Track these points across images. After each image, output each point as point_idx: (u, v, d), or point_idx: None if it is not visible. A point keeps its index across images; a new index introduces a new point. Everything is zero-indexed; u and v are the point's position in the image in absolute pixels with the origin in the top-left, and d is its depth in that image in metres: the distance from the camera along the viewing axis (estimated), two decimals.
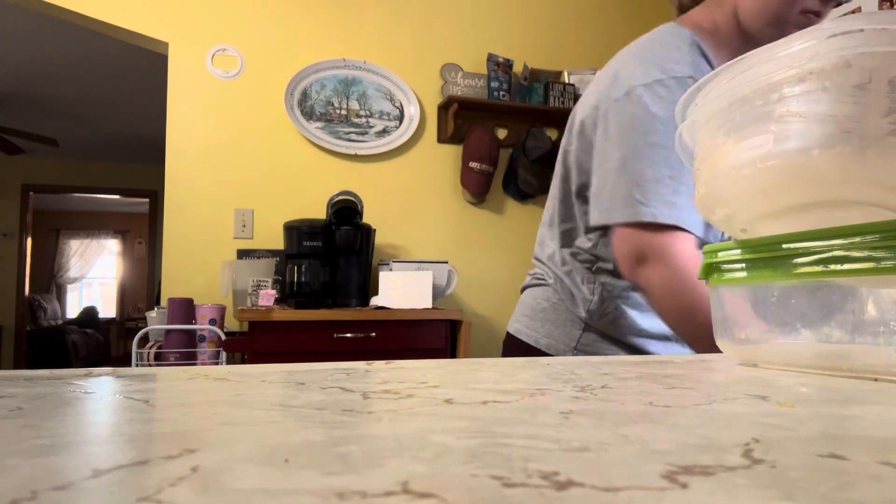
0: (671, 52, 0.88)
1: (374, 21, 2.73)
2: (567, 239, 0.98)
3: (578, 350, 0.94)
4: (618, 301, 0.92)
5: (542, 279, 1.02)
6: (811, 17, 0.86)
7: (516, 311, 1.06)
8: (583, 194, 0.94)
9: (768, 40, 0.91)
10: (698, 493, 0.16)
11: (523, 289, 1.08)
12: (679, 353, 0.91)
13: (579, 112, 0.96)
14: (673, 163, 0.81)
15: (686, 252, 0.80)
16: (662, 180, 0.81)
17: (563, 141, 1.00)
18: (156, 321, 2.05)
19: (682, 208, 0.81)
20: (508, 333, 1.05)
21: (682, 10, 1.00)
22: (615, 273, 0.92)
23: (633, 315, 0.92)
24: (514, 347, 1.02)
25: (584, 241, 0.95)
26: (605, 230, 0.91)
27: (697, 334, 0.80)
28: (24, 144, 5.48)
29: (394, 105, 2.72)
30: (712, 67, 0.89)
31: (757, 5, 0.88)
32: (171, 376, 0.40)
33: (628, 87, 0.86)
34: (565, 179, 0.98)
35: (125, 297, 8.66)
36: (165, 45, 2.47)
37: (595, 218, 0.89)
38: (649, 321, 0.92)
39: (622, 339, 0.93)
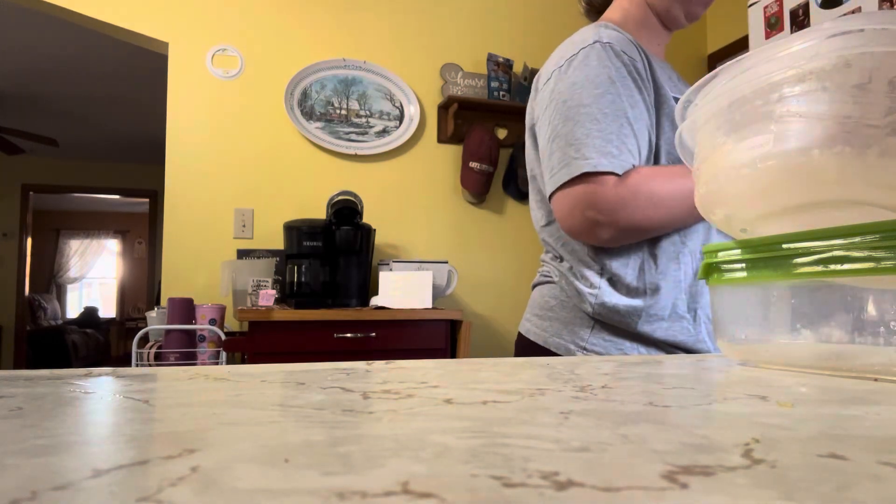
0: (576, 37, 0.94)
1: (374, 21, 2.73)
2: (554, 236, 0.99)
3: (588, 350, 0.92)
4: (624, 289, 0.91)
5: (548, 276, 1.02)
6: None
7: (526, 310, 1.06)
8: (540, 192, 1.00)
9: (676, 18, 0.99)
10: (698, 493, 0.16)
11: (533, 286, 1.08)
12: (692, 349, 0.92)
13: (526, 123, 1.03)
14: (598, 116, 0.86)
15: (616, 186, 0.84)
16: (591, 133, 0.85)
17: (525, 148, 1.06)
18: (156, 321, 2.05)
19: (616, 155, 0.85)
20: (520, 333, 1.05)
21: (596, 13, 1.10)
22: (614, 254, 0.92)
23: (641, 303, 0.90)
24: (524, 347, 1.01)
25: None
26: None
27: (678, 209, 0.84)
28: (24, 144, 5.49)
29: (394, 105, 2.72)
30: (633, 43, 0.94)
31: None
32: (171, 376, 0.40)
33: (547, 76, 0.94)
34: (533, 179, 1.04)
35: (125, 297, 8.66)
36: (165, 45, 2.47)
37: (547, 193, 0.91)
38: (662, 303, 0.90)
39: (633, 332, 0.91)
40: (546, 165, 0.91)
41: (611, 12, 1.02)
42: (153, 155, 6.22)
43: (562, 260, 0.98)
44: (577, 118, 0.87)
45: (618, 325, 0.92)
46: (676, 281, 0.91)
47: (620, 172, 0.84)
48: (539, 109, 0.95)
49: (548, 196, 0.92)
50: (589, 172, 0.84)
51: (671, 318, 0.91)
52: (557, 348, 0.95)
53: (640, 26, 1.00)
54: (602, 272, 0.92)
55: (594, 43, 0.90)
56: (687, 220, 0.87)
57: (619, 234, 0.87)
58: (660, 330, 0.91)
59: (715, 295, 0.53)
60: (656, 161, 0.92)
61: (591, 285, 0.93)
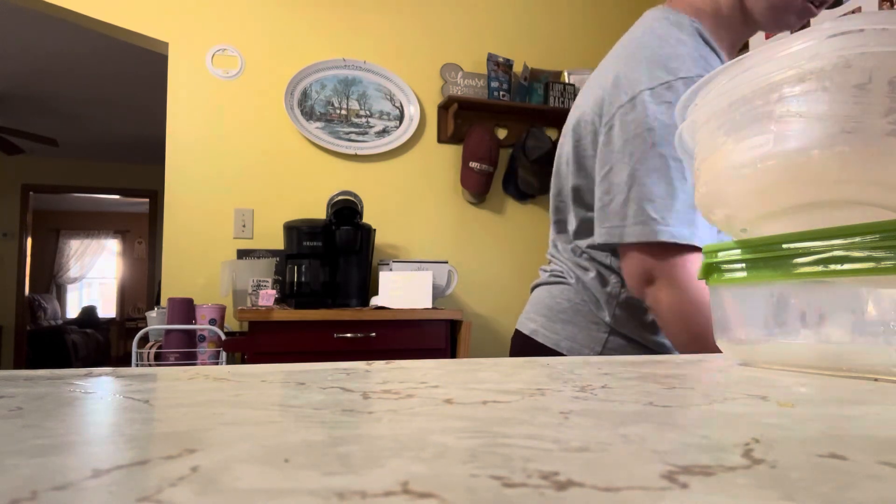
0: (676, 48, 0.83)
1: (374, 21, 2.73)
2: (578, 238, 0.94)
3: (605, 354, 0.88)
4: (641, 304, 0.87)
5: (561, 277, 0.96)
6: (813, 6, 0.85)
7: (529, 310, 1.00)
8: (580, 196, 0.91)
9: (769, 25, 0.90)
10: (698, 493, 0.16)
11: (536, 286, 1.02)
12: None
13: (574, 117, 0.93)
14: (687, 175, 0.78)
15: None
16: (677, 195, 0.77)
17: (560, 142, 0.98)
18: (156, 321, 2.05)
19: (699, 225, 0.78)
20: (521, 333, 0.99)
21: None
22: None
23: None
24: (529, 348, 0.95)
25: (591, 243, 0.90)
26: (612, 248, 0.87)
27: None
28: (24, 144, 5.48)
29: (394, 105, 2.72)
30: (717, 54, 0.87)
31: None
32: (171, 376, 0.40)
33: (632, 92, 0.81)
34: (558, 177, 0.97)
35: (125, 297, 8.65)
36: (165, 45, 2.47)
37: (602, 235, 0.84)
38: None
39: (650, 345, 0.88)
40: (617, 208, 0.82)
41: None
42: (153, 155, 6.21)
43: (579, 264, 0.93)
44: (663, 170, 0.78)
45: (637, 339, 0.89)
46: None
47: (700, 245, 0.77)
48: (617, 129, 0.82)
49: (605, 241, 0.84)
50: (667, 243, 0.77)
51: None
52: (570, 351, 0.91)
53: (722, 25, 0.90)
54: (623, 284, 0.88)
55: (696, 77, 0.79)
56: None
57: (667, 314, 0.80)
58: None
59: (715, 295, 0.53)
60: None
61: (611, 294, 0.89)
